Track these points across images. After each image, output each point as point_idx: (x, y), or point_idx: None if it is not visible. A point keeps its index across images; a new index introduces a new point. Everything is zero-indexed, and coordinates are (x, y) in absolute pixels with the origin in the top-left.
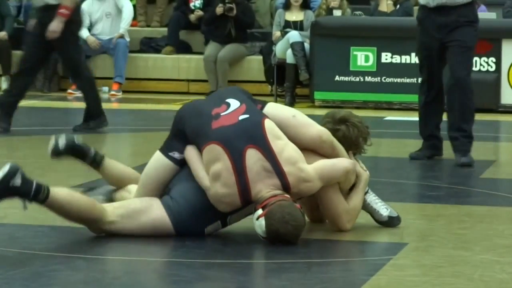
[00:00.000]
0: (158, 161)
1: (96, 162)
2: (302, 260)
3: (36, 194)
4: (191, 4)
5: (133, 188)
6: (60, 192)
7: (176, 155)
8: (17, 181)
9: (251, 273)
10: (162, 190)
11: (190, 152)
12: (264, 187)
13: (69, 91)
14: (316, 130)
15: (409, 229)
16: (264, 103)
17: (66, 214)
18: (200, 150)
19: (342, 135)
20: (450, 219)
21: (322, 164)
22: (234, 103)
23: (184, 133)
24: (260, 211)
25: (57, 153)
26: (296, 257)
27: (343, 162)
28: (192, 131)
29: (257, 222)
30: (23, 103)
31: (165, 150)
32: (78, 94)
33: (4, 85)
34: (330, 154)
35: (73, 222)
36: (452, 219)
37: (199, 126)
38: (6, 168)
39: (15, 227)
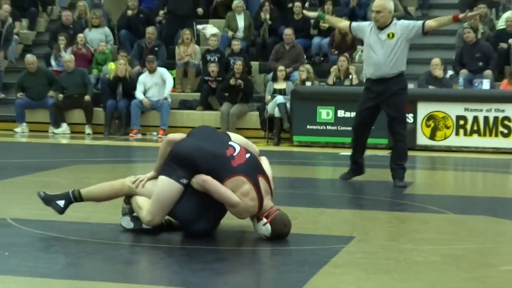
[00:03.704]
0: (171, 185)
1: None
2: (283, 248)
3: (75, 198)
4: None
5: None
6: (88, 188)
7: (184, 181)
8: (61, 202)
9: (250, 256)
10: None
11: (214, 182)
12: (267, 201)
13: (130, 134)
14: (257, 150)
15: (356, 227)
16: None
17: (103, 199)
18: (221, 179)
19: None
20: (383, 221)
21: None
22: (235, 146)
23: (195, 167)
24: (265, 220)
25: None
26: (279, 245)
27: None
28: (210, 168)
29: (264, 227)
30: (100, 142)
31: (175, 177)
32: (137, 136)
33: (88, 130)
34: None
35: (111, 199)
36: (385, 221)
37: (219, 164)
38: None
39: (96, 225)
